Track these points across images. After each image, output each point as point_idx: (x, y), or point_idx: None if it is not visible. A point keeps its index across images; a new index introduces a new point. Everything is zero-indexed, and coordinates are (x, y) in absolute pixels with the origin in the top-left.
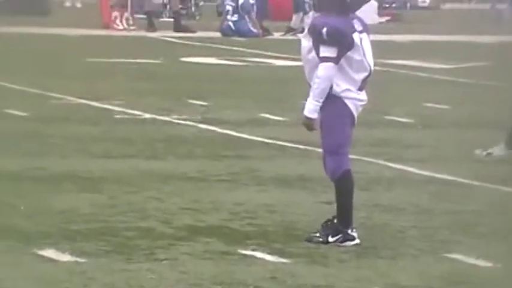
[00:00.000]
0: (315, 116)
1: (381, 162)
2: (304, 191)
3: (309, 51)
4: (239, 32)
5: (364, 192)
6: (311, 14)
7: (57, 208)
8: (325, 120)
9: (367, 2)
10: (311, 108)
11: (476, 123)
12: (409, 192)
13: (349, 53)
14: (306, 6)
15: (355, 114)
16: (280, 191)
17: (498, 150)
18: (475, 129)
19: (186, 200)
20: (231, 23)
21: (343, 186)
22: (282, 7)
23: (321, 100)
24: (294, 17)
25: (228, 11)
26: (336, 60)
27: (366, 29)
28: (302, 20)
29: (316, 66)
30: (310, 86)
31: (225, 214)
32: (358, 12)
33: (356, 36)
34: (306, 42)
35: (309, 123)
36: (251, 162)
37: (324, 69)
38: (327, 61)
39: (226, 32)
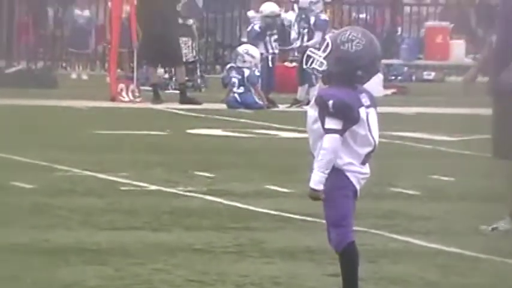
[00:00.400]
0: (320, 187)
1: (387, 234)
2: (310, 263)
3: (314, 122)
4: (245, 103)
5: (370, 265)
6: (317, 86)
7: (63, 281)
8: (327, 192)
9: (376, 74)
10: (316, 180)
11: (482, 196)
12: (416, 265)
13: (354, 127)
14: (313, 78)
15: (358, 187)
16: (287, 263)
17: (504, 223)
18: (482, 202)
19: (193, 272)
20: (236, 95)
21: (348, 258)
22: (287, 79)
23: (327, 171)
24: (300, 89)
25: (233, 83)
26: (341, 132)
27: (374, 103)
28: (308, 92)
29: (320, 137)
30: (313, 157)
31: (231, 286)
32: (365, 85)
33: (362, 111)
34: (312, 112)
35: (315, 195)
36: (257, 234)
37: (329, 141)
38: (332, 133)
39: (231, 104)
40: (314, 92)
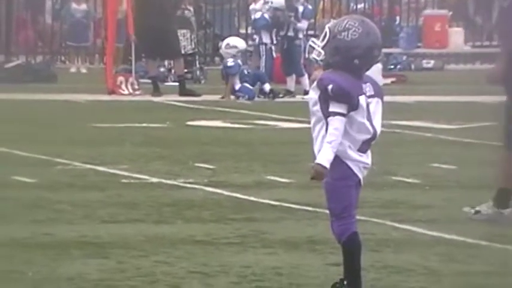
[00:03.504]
0: (328, 166)
1: (389, 223)
2: (312, 253)
3: (315, 104)
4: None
5: (372, 254)
6: (306, 76)
7: (65, 274)
8: (329, 183)
9: (376, 63)
10: (329, 158)
11: (482, 184)
12: (418, 253)
13: (352, 113)
14: (301, 68)
15: (360, 176)
16: (288, 254)
17: (486, 207)
18: (482, 190)
19: (195, 263)
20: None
21: (350, 249)
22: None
23: (335, 152)
24: (288, 80)
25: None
26: (345, 115)
27: (379, 94)
28: (299, 82)
29: (320, 120)
30: (314, 138)
31: (233, 277)
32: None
33: (362, 99)
34: (313, 95)
35: (322, 172)
36: (259, 225)
37: (339, 122)
38: (338, 115)
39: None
40: (305, 81)
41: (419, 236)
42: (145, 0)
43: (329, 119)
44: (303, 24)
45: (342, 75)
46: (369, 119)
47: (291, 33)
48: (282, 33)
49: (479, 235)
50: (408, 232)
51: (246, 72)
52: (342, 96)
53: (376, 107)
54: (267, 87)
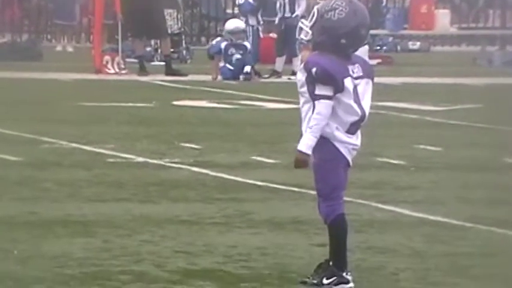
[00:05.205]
0: (310, 152)
1: (374, 204)
2: (297, 234)
3: (302, 86)
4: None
5: (357, 235)
6: (300, 56)
7: (50, 253)
8: (318, 164)
9: (364, 45)
10: (310, 143)
11: (468, 165)
12: (402, 234)
13: (338, 95)
14: (296, 48)
15: (349, 157)
16: (274, 234)
17: None
18: (467, 172)
19: (180, 243)
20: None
21: (337, 230)
22: (270, 50)
23: (318, 136)
24: (278, 60)
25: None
26: (332, 98)
27: (368, 74)
28: (291, 63)
29: (308, 101)
30: (302, 118)
31: (218, 257)
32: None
33: (348, 81)
34: (301, 76)
35: (304, 159)
36: (244, 205)
37: (323, 106)
38: (324, 98)
39: (226, 76)
40: (298, 62)
41: (404, 217)
42: None
43: (315, 102)
44: (302, 6)
45: (327, 58)
46: (357, 100)
47: (287, 15)
48: (279, 15)
49: (464, 217)
50: (393, 213)
51: (235, 57)
52: (326, 79)
53: (365, 87)
54: (246, 68)
